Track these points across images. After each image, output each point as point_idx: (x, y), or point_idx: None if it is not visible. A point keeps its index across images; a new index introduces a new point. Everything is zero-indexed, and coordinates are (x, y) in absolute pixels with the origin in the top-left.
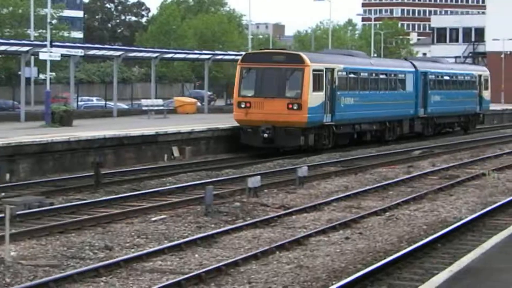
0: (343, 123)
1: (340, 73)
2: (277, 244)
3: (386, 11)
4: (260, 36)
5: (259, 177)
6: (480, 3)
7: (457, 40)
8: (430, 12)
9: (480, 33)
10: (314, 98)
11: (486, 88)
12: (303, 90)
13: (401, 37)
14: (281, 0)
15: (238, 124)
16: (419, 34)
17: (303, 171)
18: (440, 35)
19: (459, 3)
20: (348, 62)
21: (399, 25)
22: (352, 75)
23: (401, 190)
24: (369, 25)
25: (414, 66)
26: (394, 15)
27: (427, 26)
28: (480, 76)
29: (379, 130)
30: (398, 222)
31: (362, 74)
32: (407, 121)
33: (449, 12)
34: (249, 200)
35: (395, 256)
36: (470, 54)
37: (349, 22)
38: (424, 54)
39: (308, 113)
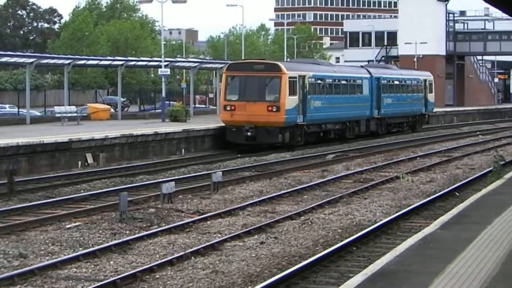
0: (313, 123)
1: (310, 79)
2: (192, 249)
3: (298, 15)
4: (173, 42)
5: (173, 183)
6: (393, 7)
7: (369, 44)
8: (342, 16)
9: (392, 37)
10: (290, 102)
11: (431, 91)
12: (281, 94)
13: (314, 41)
14: (194, 5)
15: (151, 131)
16: (332, 39)
17: (217, 176)
18: (353, 39)
19: (372, 7)
20: (316, 70)
21: (312, 29)
22: (319, 81)
23: (316, 194)
24: (282, 30)
25: (369, 72)
26: (307, 19)
27: (340, 30)
28: (425, 80)
29: (341, 129)
30: (313, 226)
31: (327, 80)
32: (364, 121)
33: (361, 16)
34: (163, 206)
35: (310, 260)
36: (383, 58)
37: (262, 27)
38: (337, 58)
39: (285, 114)
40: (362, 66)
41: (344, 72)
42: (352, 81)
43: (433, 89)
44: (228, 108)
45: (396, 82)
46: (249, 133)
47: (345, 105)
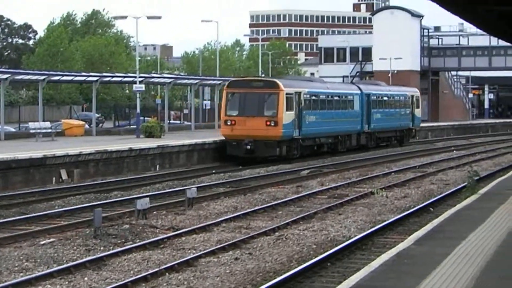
0: (308, 137)
1: (305, 96)
2: (167, 265)
3: (273, 31)
4: (148, 58)
5: (147, 199)
6: (367, 23)
7: (344, 60)
8: (317, 32)
9: (367, 52)
10: (287, 117)
11: (418, 107)
12: (278, 110)
13: (289, 57)
14: (169, 21)
15: (125, 147)
16: (307, 54)
17: (192, 192)
18: (328, 55)
19: (347, 23)
20: (310, 87)
21: (287, 45)
22: (314, 97)
23: (290, 209)
24: (257, 45)
25: (360, 88)
26: (282, 35)
27: (314, 46)
28: (412, 96)
29: (333, 143)
30: (288, 241)
31: (321, 96)
32: (355, 135)
33: (336, 32)
34: (138, 222)
35: (285, 276)
36: (358, 74)
37: (237, 42)
38: (312, 74)
39: (282, 129)
40: (352, 83)
41: (336, 89)
42: (344, 97)
43: (420, 104)
44: (228, 123)
45: (385, 98)
46: (248, 147)
47: (338, 120)
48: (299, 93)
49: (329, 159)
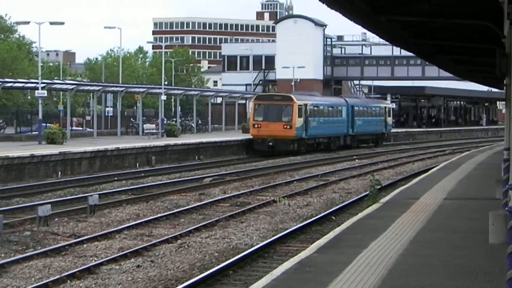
0: (311, 137)
1: (310, 106)
2: (68, 273)
3: (177, 39)
4: (51, 64)
5: (49, 205)
6: (271, 31)
7: (247, 68)
8: (221, 40)
9: (270, 61)
10: (298, 122)
11: (390, 116)
12: (293, 117)
13: (192, 64)
14: (72, 27)
15: (27, 153)
16: (210, 62)
17: (94, 199)
18: (231, 63)
19: (250, 31)
20: (313, 100)
21: (190, 52)
22: (315, 108)
23: (193, 217)
24: (160, 53)
25: (346, 101)
26: (185, 42)
27: (218, 53)
28: (385, 107)
29: (327, 142)
30: (190, 249)
31: (320, 107)
32: (342, 137)
33: (239, 40)
34: (39, 229)
35: (186, 284)
36: (261, 82)
37: (140, 49)
38: (215, 81)
39: (295, 131)
40: (341, 96)
41: (330, 101)
42: (335, 107)
43: (392, 114)
44: (255, 126)
45: (365, 108)
46: (270, 143)
47: (331, 125)
48: (306, 104)
49: (299, 157)
